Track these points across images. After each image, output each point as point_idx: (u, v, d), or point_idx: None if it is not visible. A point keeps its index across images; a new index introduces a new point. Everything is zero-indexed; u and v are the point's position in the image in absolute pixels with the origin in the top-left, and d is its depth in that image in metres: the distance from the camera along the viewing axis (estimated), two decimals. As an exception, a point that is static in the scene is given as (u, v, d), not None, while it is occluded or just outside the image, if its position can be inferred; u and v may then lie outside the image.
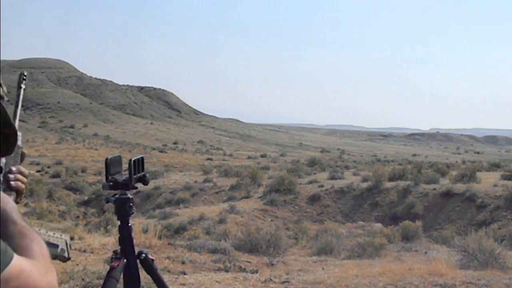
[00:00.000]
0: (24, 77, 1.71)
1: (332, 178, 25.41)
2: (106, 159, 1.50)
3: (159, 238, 8.95)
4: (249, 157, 67.74)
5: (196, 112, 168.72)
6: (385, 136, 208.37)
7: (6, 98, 1.29)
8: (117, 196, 1.73)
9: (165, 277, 1.86)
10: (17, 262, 1.04)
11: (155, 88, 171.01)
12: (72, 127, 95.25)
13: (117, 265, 1.68)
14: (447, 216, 18.39)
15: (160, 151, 67.08)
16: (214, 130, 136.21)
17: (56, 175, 37.67)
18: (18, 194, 1.42)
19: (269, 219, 19.56)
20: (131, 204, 1.73)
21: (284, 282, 6.05)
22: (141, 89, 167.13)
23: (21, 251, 1.10)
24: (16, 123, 1.44)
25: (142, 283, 1.76)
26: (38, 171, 38.82)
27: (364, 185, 22.20)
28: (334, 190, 22.19)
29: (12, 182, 1.40)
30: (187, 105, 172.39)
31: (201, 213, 19.24)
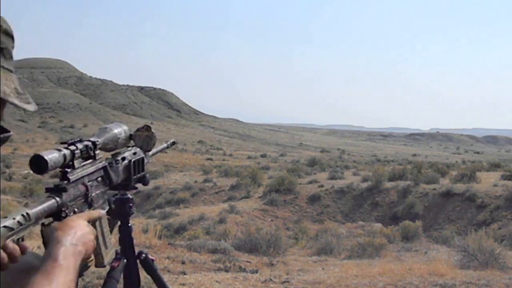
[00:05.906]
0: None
1: (332, 178, 25.40)
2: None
3: (159, 238, 8.95)
4: (249, 157, 67.76)
5: (196, 112, 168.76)
6: (385, 136, 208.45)
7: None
8: (117, 196, 1.73)
9: (165, 277, 1.86)
10: None
11: (155, 88, 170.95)
12: (72, 127, 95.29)
13: (117, 266, 1.68)
14: (447, 216, 18.39)
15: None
16: (214, 130, 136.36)
17: (56, 175, 37.63)
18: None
19: (269, 219, 19.56)
20: (131, 205, 1.73)
21: (284, 282, 6.04)
22: (141, 89, 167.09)
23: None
24: None
25: (142, 283, 1.77)
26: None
27: (364, 185, 22.19)
28: (334, 190, 22.18)
29: None
30: (187, 105, 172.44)
31: (201, 213, 19.23)
